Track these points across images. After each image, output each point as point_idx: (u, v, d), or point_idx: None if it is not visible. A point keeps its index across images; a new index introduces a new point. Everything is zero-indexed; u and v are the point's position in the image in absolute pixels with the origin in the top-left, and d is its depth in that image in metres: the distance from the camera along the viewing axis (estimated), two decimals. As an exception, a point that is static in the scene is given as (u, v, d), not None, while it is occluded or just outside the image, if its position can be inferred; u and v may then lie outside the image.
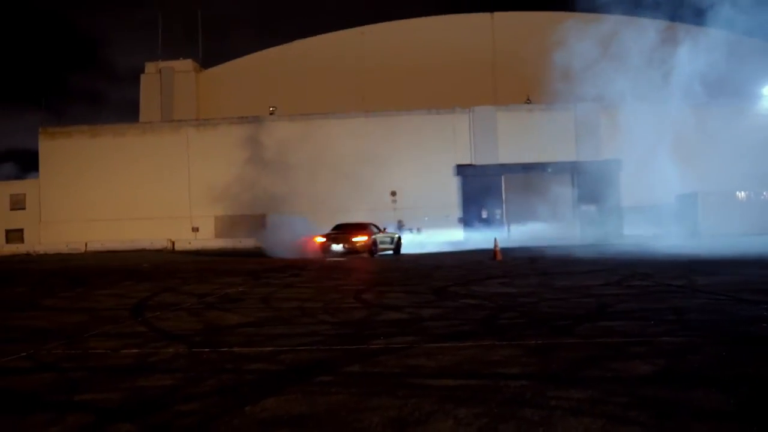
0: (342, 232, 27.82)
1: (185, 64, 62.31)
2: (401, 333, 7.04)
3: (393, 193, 48.65)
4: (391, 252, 28.96)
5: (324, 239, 27.15)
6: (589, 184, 43.86)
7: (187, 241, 49.42)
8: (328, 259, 25.46)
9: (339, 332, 7.33)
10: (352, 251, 26.46)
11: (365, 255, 26.24)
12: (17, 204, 54.19)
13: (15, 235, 53.76)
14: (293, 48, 61.55)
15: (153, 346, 6.70)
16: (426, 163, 48.88)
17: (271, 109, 53.10)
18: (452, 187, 49.88)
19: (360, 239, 26.65)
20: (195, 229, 50.75)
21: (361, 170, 42.21)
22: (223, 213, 46.94)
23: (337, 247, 26.53)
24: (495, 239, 23.07)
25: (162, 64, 62.23)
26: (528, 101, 51.60)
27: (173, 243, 49.34)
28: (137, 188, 50.73)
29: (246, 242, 42.88)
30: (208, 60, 64.83)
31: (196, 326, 8.11)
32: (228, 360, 5.87)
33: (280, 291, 12.69)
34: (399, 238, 30.31)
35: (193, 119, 55.81)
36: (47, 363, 6.02)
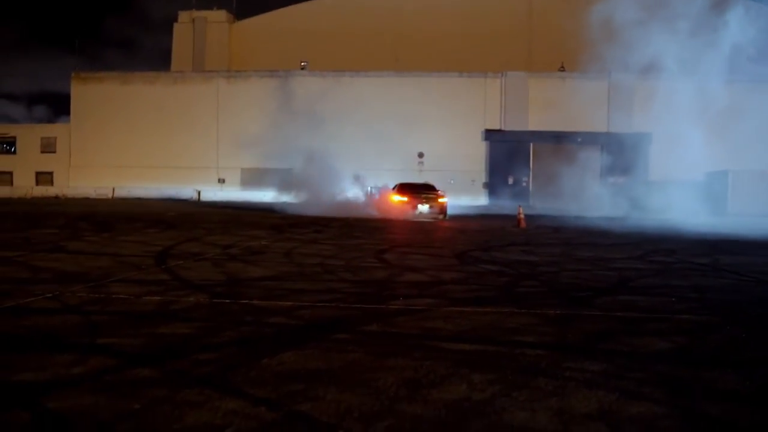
0: (417, 191, 27.25)
1: (219, 15, 62.06)
2: (421, 295, 7.07)
3: (420, 155, 48.48)
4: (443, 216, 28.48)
5: (406, 198, 26.37)
6: (619, 156, 43.32)
7: (212, 191, 49.70)
8: (411, 219, 25.19)
9: (359, 291, 7.37)
10: (436, 212, 26.03)
11: (441, 217, 26.00)
12: (48, 147, 54.75)
13: (45, 177, 54.42)
14: (327, 3, 61.02)
15: (175, 294, 6.80)
16: (455, 126, 48.62)
17: (302, 63, 52.90)
18: (480, 151, 49.64)
19: (443, 200, 26.36)
20: (221, 180, 51.02)
21: (389, 129, 42.10)
22: (249, 165, 47.06)
23: (423, 208, 25.96)
24: (519, 207, 22.97)
25: (196, 13, 62.04)
26: (562, 69, 50.92)
27: (199, 193, 49.68)
28: (166, 137, 51.03)
29: (270, 195, 42.95)
30: (241, 11, 64.55)
31: (219, 277, 8.20)
32: (248, 312, 5.93)
33: (302, 246, 12.76)
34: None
35: (224, 70, 55.78)
36: (72, 305, 6.13)
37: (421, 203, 25.94)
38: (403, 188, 27.84)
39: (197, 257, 10.30)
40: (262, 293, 6.95)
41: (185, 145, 50.71)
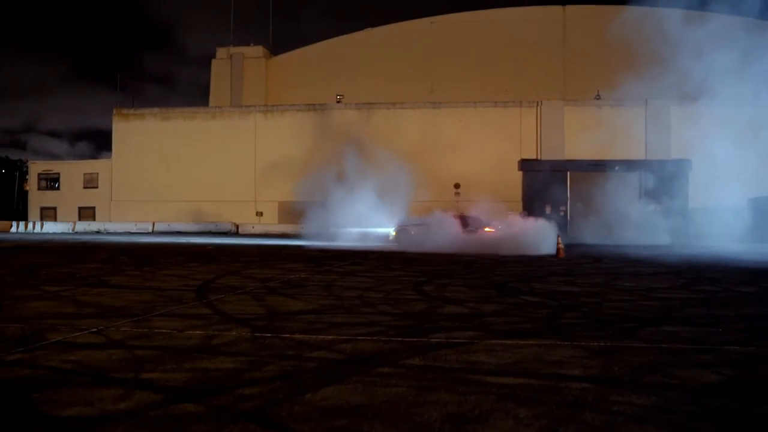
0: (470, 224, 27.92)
1: (255, 50, 63.02)
2: (462, 327, 7.03)
3: (456, 185, 48.40)
4: None
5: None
6: (658, 183, 42.81)
7: (250, 225, 50.09)
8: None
9: (399, 324, 7.35)
10: None
11: None
12: (90, 183, 55.75)
13: (87, 212, 55.33)
14: (362, 37, 61.66)
15: (217, 328, 6.84)
16: (491, 155, 48.48)
17: (338, 97, 53.36)
18: (516, 181, 49.40)
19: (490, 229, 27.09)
20: (259, 214, 51.42)
21: (426, 160, 42.14)
22: (286, 198, 47.37)
23: None
24: (557, 236, 22.76)
25: (233, 49, 63.10)
26: (597, 97, 50.62)
27: (237, 226, 50.10)
28: (204, 171, 51.65)
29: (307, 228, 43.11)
30: (277, 46, 65.54)
31: (259, 311, 8.23)
32: (289, 346, 5.94)
33: (341, 279, 12.78)
34: None
35: (262, 105, 56.45)
36: (116, 340, 6.21)
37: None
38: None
39: (237, 291, 10.36)
40: (302, 327, 6.96)
41: (223, 179, 51.26)
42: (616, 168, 46.09)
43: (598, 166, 46.23)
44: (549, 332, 6.89)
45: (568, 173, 48.86)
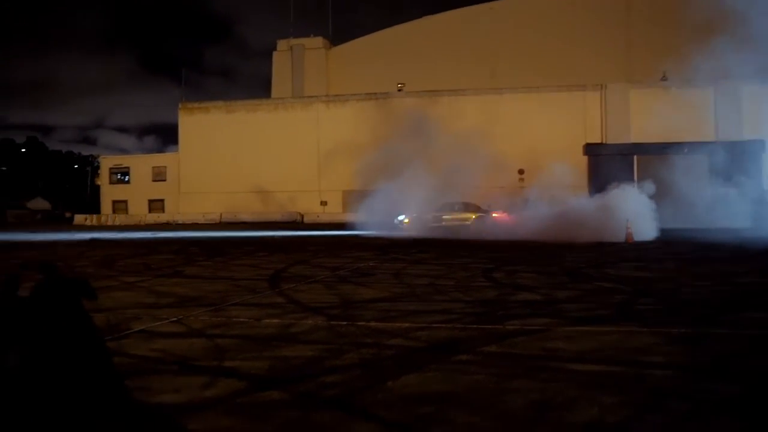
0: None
1: (316, 42, 63.42)
2: (536, 314, 6.97)
3: (521, 171, 47.89)
4: None
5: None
6: (729, 165, 41.55)
7: (315, 214, 50.52)
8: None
9: (472, 311, 7.32)
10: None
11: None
12: (159, 176, 57.05)
13: (156, 205, 56.65)
14: (421, 24, 61.45)
15: (293, 317, 6.94)
16: (554, 140, 47.75)
17: (399, 85, 53.28)
18: (581, 166, 48.59)
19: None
20: (323, 203, 51.82)
21: (489, 147, 41.76)
22: (350, 187, 47.62)
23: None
24: (627, 221, 22.29)
25: (293, 41, 63.63)
26: (664, 78, 49.35)
27: (302, 216, 50.59)
28: (269, 162, 52.26)
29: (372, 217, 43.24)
30: (337, 37, 65.79)
31: (332, 299, 8.32)
32: (366, 334, 5.99)
33: (410, 267, 12.80)
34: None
35: (323, 95, 56.79)
36: (196, 329, 6.36)
37: None
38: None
39: (308, 280, 10.49)
40: (377, 315, 7.01)
41: (287, 170, 51.79)
42: (685, 150, 44.87)
43: (666, 149, 45.10)
44: (626, 318, 6.79)
45: (635, 157, 47.82)
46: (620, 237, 20.76)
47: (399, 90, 52.90)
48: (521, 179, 47.39)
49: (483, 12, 59.65)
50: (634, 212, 22.74)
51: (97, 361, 3.98)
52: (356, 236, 27.11)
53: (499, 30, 57.92)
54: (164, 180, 56.57)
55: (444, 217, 30.04)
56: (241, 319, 6.80)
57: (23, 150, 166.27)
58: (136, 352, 5.36)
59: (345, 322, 6.55)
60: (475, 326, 6.34)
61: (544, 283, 9.79)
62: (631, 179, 47.09)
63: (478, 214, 29.56)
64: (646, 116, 46.59)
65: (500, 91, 50.87)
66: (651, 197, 25.44)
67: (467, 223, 29.29)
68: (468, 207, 30.95)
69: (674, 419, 3.57)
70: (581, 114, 49.30)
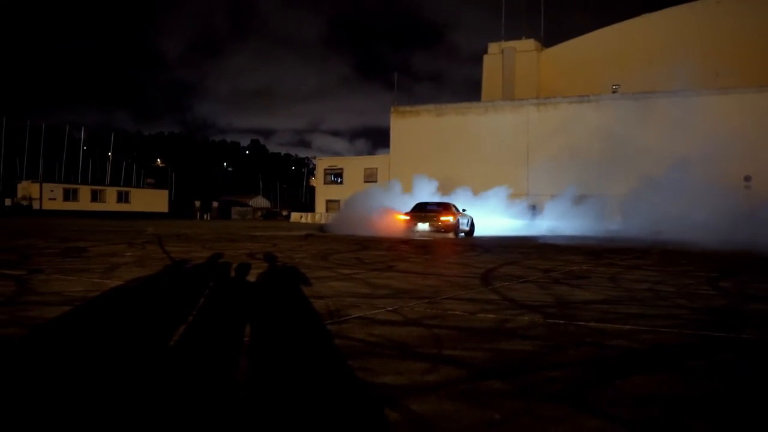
0: (426, 212, 28.72)
1: (527, 44, 62.85)
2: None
3: (747, 178, 44.45)
4: (463, 234, 29.40)
5: (407, 218, 28.12)
6: None
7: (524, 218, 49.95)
8: (414, 237, 26.24)
9: (699, 318, 6.83)
10: (437, 231, 27.36)
11: (450, 235, 27.33)
12: (370, 177, 59.23)
13: (370, 206, 58.76)
14: (638, 23, 58.95)
15: (508, 313, 6.84)
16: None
17: (613, 87, 51.52)
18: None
19: (446, 219, 27.68)
20: (533, 207, 51.15)
21: (711, 152, 39.13)
22: (559, 192, 46.64)
23: (423, 227, 27.38)
24: None
25: (504, 44, 63.47)
26: None
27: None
28: (478, 165, 52.44)
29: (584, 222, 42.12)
30: (549, 39, 64.71)
31: (546, 299, 8.11)
32: (586, 333, 5.76)
33: (626, 272, 12.24)
34: (473, 220, 31.04)
35: (534, 98, 56.10)
36: (412, 318, 6.43)
37: (422, 222, 27.56)
38: (416, 209, 29.63)
39: (520, 279, 10.33)
40: (595, 315, 6.72)
41: (497, 173, 51.64)
42: None
43: None
44: None
45: None
46: None
47: (613, 92, 51.12)
48: (747, 186, 44.01)
49: (707, 8, 56.12)
50: None
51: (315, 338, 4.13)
52: (560, 239, 26.43)
53: (725, 26, 54.16)
54: (375, 181, 58.53)
55: None
56: (456, 312, 6.80)
57: (246, 152, 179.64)
58: (357, 336, 5.50)
59: (563, 321, 6.35)
60: (704, 333, 5.90)
61: (782, 294, 8.94)
62: None
63: None
64: None
65: (726, 91, 47.52)
66: None
67: None
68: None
69: None
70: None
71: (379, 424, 3.25)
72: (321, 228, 37.31)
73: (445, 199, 34.76)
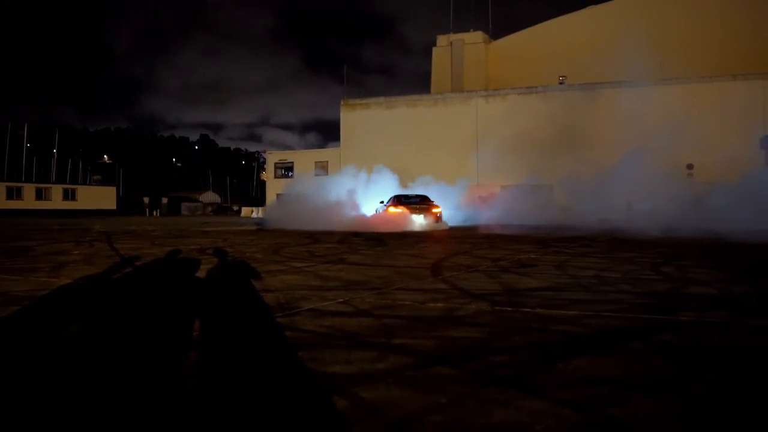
0: (412, 204, 29.12)
1: (475, 36, 63.18)
2: (713, 308, 6.59)
3: (689, 167, 45.47)
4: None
5: (401, 210, 28.35)
6: None
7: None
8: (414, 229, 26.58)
9: (643, 302, 7.01)
10: (433, 222, 27.94)
11: (445, 226, 28.71)
12: (321, 170, 59.00)
13: (318, 197, 58.57)
14: (584, 15, 59.73)
15: (456, 302, 6.94)
16: (726, 133, 44.89)
17: (561, 78, 52.16)
18: (758, 160, 45.49)
19: (437, 210, 28.77)
20: (481, 198, 51.61)
21: (654, 142, 39.95)
22: (509, 182, 47.11)
23: (419, 219, 27.58)
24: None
25: (453, 36, 63.68)
26: None
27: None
28: (427, 157, 52.60)
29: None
30: (497, 31, 65.27)
31: (494, 287, 8.24)
32: (532, 320, 5.89)
33: (573, 259, 12.48)
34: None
35: (482, 90, 56.51)
36: (362, 309, 6.49)
37: (417, 214, 27.79)
38: (396, 201, 29.93)
39: (470, 269, 10.46)
40: (542, 302, 6.87)
41: (446, 165, 51.88)
42: None
43: None
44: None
45: (821, 150, 44.20)
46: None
47: (560, 83, 51.80)
48: (690, 174, 45.03)
49: (652, 1, 57.12)
50: None
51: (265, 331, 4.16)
52: (515, 229, 26.75)
53: (668, 17, 55.27)
54: (326, 174, 58.36)
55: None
56: (406, 302, 6.88)
57: (196, 147, 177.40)
58: (307, 327, 5.55)
59: (509, 308, 6.49)
60: (646, 316, 6.08)
61: (720, 279, 9.22)
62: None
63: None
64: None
65: (668, 81, 48.52)
66: None
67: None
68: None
69: None
70: (759, 104, 46.17)
71: (329, 411, 3.30)
72: (258, 223, 36.94)
73: (405, 192, 34.77)
